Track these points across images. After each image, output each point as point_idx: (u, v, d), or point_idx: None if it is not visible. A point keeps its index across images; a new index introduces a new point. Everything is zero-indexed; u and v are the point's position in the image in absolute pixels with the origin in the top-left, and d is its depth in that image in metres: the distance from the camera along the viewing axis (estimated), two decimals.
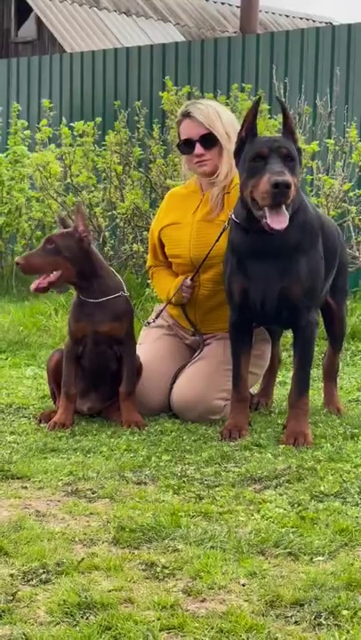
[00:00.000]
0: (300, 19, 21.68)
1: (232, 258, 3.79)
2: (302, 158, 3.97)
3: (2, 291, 8.33)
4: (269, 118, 7.39)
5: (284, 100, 7.17)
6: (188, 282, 4.11)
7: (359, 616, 2.07)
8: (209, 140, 4.04)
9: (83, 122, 8.14)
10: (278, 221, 3.46)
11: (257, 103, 3.72)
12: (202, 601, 2.18)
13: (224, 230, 3.97)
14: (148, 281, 6.59)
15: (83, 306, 3.95)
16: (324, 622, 2.06)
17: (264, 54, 9.02)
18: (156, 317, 4.35)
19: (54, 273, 3.85)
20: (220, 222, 4.05)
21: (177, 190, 4.42)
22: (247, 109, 3.67)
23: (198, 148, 4.06)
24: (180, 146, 4.15)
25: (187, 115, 4.09)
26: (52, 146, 8.11)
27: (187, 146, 4.10)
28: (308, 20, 21.70)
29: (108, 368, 4.01)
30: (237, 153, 3.67)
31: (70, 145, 7.86)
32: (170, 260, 4.26)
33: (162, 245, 4.27)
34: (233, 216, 3.78)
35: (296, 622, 2.07)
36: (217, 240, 4.01)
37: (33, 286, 3.88)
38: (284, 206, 3.46)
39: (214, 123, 4.03)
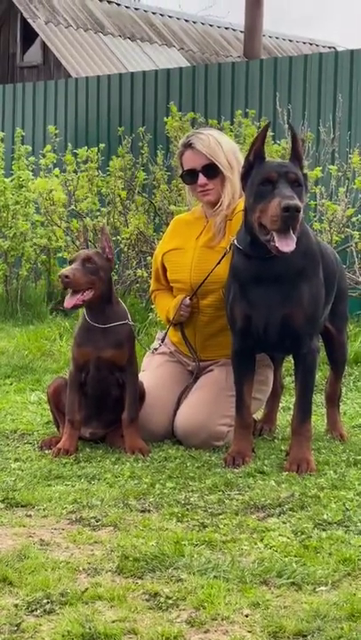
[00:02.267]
0: (304, 43, 21.81)
1: (234, 284, 3.81)
2: (307, 184, 4.00)
3: (7, 314, 8.35)
4: (273, 144, 7.44)
5: (286, 125, 7.23)
6: (188, 301, 4.14)
7: None
8: (212, 170, 4.08)
9: (87, 147, 8.20)
10: (287, 244, 3.48)
11: (266, 128, 3.76)
12: (205, 632, 2.19)
13: (224, 255, 4.00)
14: (152, 306, 6.63)
15: (88, 331, 3.97)
16: None
17: (267, 80, 9.08)
18: (160, 344, 4.37)
19: (87, 292, 3.88)
20: (221, 249, 4.08)
21: (182, 216, 4.47)
22: (254, 134, 3.71)
23: (201, 179, 4.10)
24: (184, 176, 4.19)
25: (188, 145, 4.14)
26: (56, 171, 8.17)
27: (190, 176, 4.14)
28: (311, 44, 21.83)
29: (111, 394, 4.03)
30: (244, 177, 3.70)
31: (74, 171, 7.92)
32: (171, 284, 4.29)
33: (164, 270, 4.31)
34: (235, 242, 3.81)
35: None
36: (217, 264, 4.04)
37: (69, 304, 3.88)
38: (292, 230, 3.49)
39: (216, 152, 4.07)
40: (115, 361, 3.96)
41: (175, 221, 4.44)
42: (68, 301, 3.88)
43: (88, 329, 3.98)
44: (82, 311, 4.08)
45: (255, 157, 3.65)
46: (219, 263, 4.04)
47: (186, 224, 4.33)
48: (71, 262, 3.92)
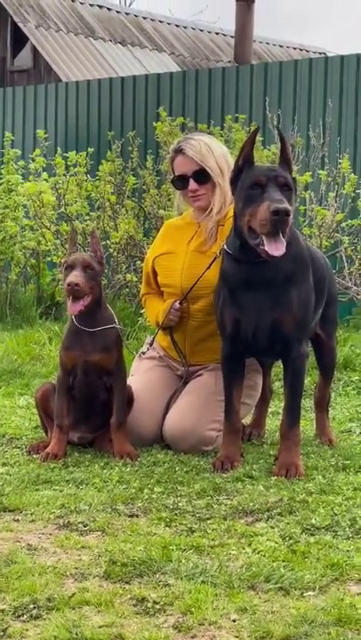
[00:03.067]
0: (294, 49, 21.86)
1: (224, 289, 3.81)
2: (297, 188, 4.00)
3: None
4: (263, 149, 7.45)
5: (276, 130, 7.25)
6: (177, 305, 4.13)
7: None
8: (202, 176, 4.09)
9: (77, 151, 8.21)
10: (276, 248, 3.48)
11: (255, 132, 3.77)
12: (192, 637, 2.18)
13: (214, 260, 4.00)
14: (142, 310, 6.62)
15: (76, 334, 3.97)
16: None
17: (258, 85, 9.11)
18: (149, 348, 4.37)
19: (87, 297, 3.89)
20: (212, 254, 4.07)
21: (174, 221, 4.47)
22: (243, 139, 3.72)
23: (192, 184, 4.11)
24: (175, 182, 4.20)
25: (179, 151, 4.14)
26: (45, 174, 8.16)
27: (181, 181, 4.15)
28: (301, 50, 21.88)
29: (98, 398, 4.03)
30: (233, 181, 3.70)
31: (64, 175, 7.91)
32: (162, 288, 4.29)
33: (155, 274, 4.31)
34: (225, 247, 3.81)
35: None
36: (207, 268, 4.04)
37: (75, 310, 3.87)
38: (281, 234, 3.49)
39: (206, 158, 4.07)
40: (102, 365, 3.96)
41: (166, 226, 4.44)
42: (74, 307, 3.88)
43: (76, 332, 3.98)
44: (69, 315, 4.08)
45: (244, 162, 3.65)
46: (209, 268, 4.04)
47: (177, 229, 4.33)
48: (70, 267, 3.90)
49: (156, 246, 4.36)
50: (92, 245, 4.06)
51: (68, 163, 8.03)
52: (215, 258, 3.99)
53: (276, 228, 3.45)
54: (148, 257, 4.40)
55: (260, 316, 3.71)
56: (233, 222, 3.75)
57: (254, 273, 3.69)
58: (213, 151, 4.10)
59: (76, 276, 3.84)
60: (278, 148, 3.81)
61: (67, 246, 4.31)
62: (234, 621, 2.26)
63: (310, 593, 2.43)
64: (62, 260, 4.07)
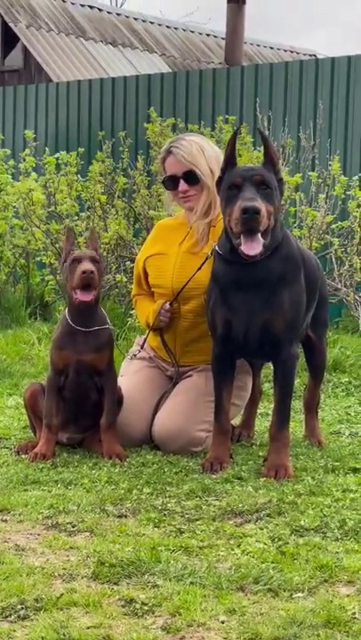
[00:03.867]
0: (285, 51, 21.88)
1: (215, 289, 3.80)
2: (284, 189, 3.99)
3: None
4: (253, 150, 7.45)
5: (267, 132, 7.25)
6: (168, 306, 4.12)
7: None
8: (192, 177, 4.08)
9: (68, 151, 8.19)
10: (252, 247, 3.49)
11: (235, 134, 3.78)
12: (181, 638, 2.17)
13: (206, 261, 3.99)
14: (132, 311, 6.61)
15: (70, 334, 3.96)
16: None
17: (248, 86, 9.11)
18: (140, 350, 4.35)
19: (94, 291, 3.91)
20: (203, 255, 4.07)
21: (165, 222, 4.47)
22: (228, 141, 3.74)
23: (182, 185, 4.10)
24: (165, 182, 4.19)
25: (170, 152, 4.13)
26: (34, 175, 8.14)
27: (171, 182, 4.15)
28: (292, 52, 21.89)
29: (89, 399, 4.02)
30: (218, 183, 3.71)
31: (54, 174, 7.89)
32: (152, 289, 4.27)
33: (146, 275, 4.29)
34: (217, 247, 3.80)
35: None
36: (198, 269, 4.03)
37: (88, 297, 3.88)
38: (259, 234, 3.49)
39: (197, 159, 4.07)
40: (95, 365, 3.95)
41: (158, 226, 4.43)
42: (86, 296, 3.88)
43: (70, 332, 3.96)
44: (62, 314, 4.07)
45: (226, 164, 3.67)
46: (200, 268, 4.03)
47: (169, 229, 4.32)
48: (77, 260, 3.90)
49: (148, 247, 4.35)
50: (91, 244, 4.06)
51: (59, 162, 8.01)
52: (207, 258, 3.99)
53: (246, 227, 3.46)
54: (139, 257, 4.39)
55: (251, 317, 3.70)
56: (223, 223, 3.75)
57: (245, 274, 3.68)
58: (205, 152, 4.09)
59: (89, 265, 3.85)
60: (263, 149, 3.81)
61: (62, 245, 4.30)
62: (223, 623, 2.25)
63: (299, 594, 2.42)
64: (63, 257, 4.05)
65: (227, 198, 3.59)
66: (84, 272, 3.84)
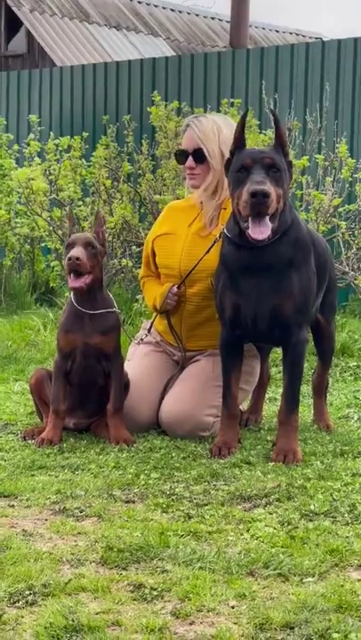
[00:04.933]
0: (290, 34, 21.76)
1: (224, 273, 3.77)
2: (293, 172, 3.95)
3: None
4: (259, 133, 7.39)
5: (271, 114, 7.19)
6: (175, 289, 4.09)
7: (350, 639, 2.04)
8: (200, 156, 4.05)
9: (72, 136, 8.15)
10: (260, 232, 3.46)
11: (244, 116, 3.73)
12: (190, 624, 2.15)
13: (214, 243, 3.96)
14: (138, 296, 6.58)
15: (76, 317, 3.93)
16: None
17: (254, 69, 9.04)
18: (147, 334, 4.33)
19: (88, 276, 3.86)
20: (212, 238, 4.03)
21: (176, 203, 4.46)
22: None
23: (190, 161, 4.08)
24: (176, 154, 4.19)
25: (188, 125, 4.12)
26: (37, 160, 8.10)
27: (182, 156, 4.14)
28: (298, 35, 21.78)
29: (96, 383, 3.99)
30: (227, 165, 3.67)
31: (56, 160, 7.85)
32: (160, 269, 4.23)
33: (154, 255, 4.26)
34: (225, 230, 3.76)
35: None
36: (207, 252, 4.00)
37: (76, 284, 3.84)
38: (267, 217, 3.45)
39: (209, 139, 4.03)
40: (102, 348, 3.92)
41: (168, 207, 4.40)
42: (75, 282, 3.84)
43: (76, 315, 3.94)
44: (68, 298, 4.05)
45: (235, 146, 3.62)
46: (208, 251, 4.00)
47: (179, 210, 4.29)
48: (71, 245, 3.87)
49: (157, 227, 4.32)
50: (95, 226, 4.02)
51: (60, 148, 7.97)
52: (215, 241, 3.95)
53: (255, 211, 3.42)
54: (148, 238, 4.36)
55: (261, 302, 3.67)
56: (232, 207, 3.71)
57: (254, 258, 3.65)
58: (221, 134, 4.04)
59: (76, 251, 3.81)
60: (271, 134, 3.77)
61: (64, 230, 4.27)
62: (233, 608, 2.23)
63: (310, 579, 2.40)
64: (65, 241, 4.03)
65: (235, 180, 3.56)
66: (69, 258, 3.80)
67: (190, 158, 4.08)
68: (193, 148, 4.07)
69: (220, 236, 3.87)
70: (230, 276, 3.72)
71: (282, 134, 3.66)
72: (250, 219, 3.47)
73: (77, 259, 3.79)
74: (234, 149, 3.64)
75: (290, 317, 3.68)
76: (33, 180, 7.78)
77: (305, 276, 3.72)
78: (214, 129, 4.05)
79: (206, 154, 4.04)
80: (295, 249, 3.68)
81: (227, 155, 3.89)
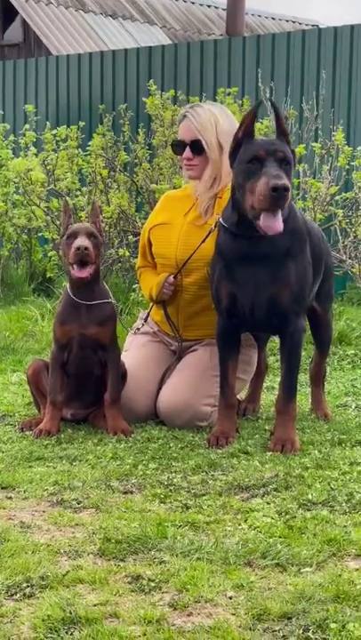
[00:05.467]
0: (287, 21, 21.68)
1: (220, 263, 3.75)
2: (295, 162, 3.94)
3: None
4: (256, 122, 7.36)
5: (269, 103, 7.17)
6: (171, 279, 4.08)
7: (348, 629, 2.04)
8: (198, 147, 4.03)
9: (68, 125, 8.12)
10: (274, 227, 3.43)
11: (257, 106, 3.71)
12: (188, 615, 2.15)
13: (210, 233, 3.94)
14: (135, 286, 6.57)
15: (72, 308, 3.92)
16: (312, 636, 2.02)
17: (250, 57, 9.01)
18: (143, 323, 4.32)
19: (91, 266, 3.87)
20: (208, 227, 4.02)
21: (173, 193, 4.45)
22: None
23: (187, 152, 4.06)
24: (173, 145, 4.17)
25: (185, 115, 4.09)
26: (34, 149, 8.07)
27: (179, 147, 4.11)
28: (294, 22, 21.70)
29: (93, 374, 3.99)
30: (232, 154, 3.63)
31: (53, 150, 7.83)
32: (156, 259, 4.23)
33: (151, 245, 4.25)
34: (221, 220, 3.75)
35: (284, 636, 2.04)
36: (202, 241, 3.99)
37: (83, 274, 3.84)
38: (280, 211, 3.43)
39: (207, 130, 4.01)
40: (99, 338, 3.92)
41: (165, 197, 4.39)
42: (82, 272, 3.84)
43: (72, 306, 3.93)
44: (65, 288, 4.04)
45: (244, 135, 3.58)
46: (204, 240, 3.98)
47: (175, 200, 4.28)
48: (73, 235, 3.86)
49: (153, 217, 4.31)
50: (91, 216, 4.01)
51: (57, 138, 7.94)
52: (211, 231, 3.94)
53: (274, 205, 3.39)
54: (144, 228, 4.35)
55: (258, 291, 3.66)
56: (231, 196, 3.69)
57: (251, 247, 3.63)
58: (219, 125, 4.02)
59: (83, 241, 3.81)
60: (273, 121, 3.73)
61: (61, 220, 4.26)
62: (230, 598, 2.23)
63: (307, 569, 2.40)
64: (62, 231, 4.01)
65: (246, 172, 3.49)
66: (78, 248, 3.80)
67: (188, 149, 4.06)
68: (190, 139, 4.04)
69: (215, 226, 3.86)
70: (226, 265, 3.71)
71: (283, 124, 3.64)
72: (263, 212, 3.44)
73: (86, 248, 3.79)
74: (242, 138, 3.57)
75: (287, 306, 3.68)
76: (31, 170, 7.76)
77: (301, 265, 3.71)
78: (211, 120, 4.03)
79: (205, 145, 4.01)
80: (292, 238, 3.67)
81: (225, 146, 3.87)
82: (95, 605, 2.18)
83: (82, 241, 3.81)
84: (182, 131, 4.11)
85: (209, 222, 4.02)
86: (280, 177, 3.38)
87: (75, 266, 3.84)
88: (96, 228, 3.94)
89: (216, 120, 4.04)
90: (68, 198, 7.57)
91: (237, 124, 4.11)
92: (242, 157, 3.54)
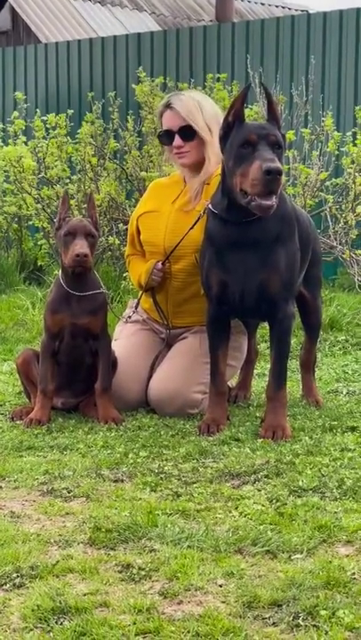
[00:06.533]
0: (276, 7, 21.57)
1: (209, 249, 3.74)
2: (286, 146, 3.91)
3: None
4: (245, 107, 7.33)
5: (258, 89, 7.14)
6: (160, 265, 4.07)
7: (338, 616, 2.04)
8: (188, 133, 4.01)
9: (57, 113, 8.08)
10: (267, 204, 3.40)
11: (246, 89, 3.68)
12: (178, 603, 2.14)
13: (199, 219, 3.93)
14: (125, 274, 6.55)
15: (64, 298, 3.91)
16: (302, 623, 2.02)
17: (240, 43, 8.98)
18: (134, 312, 4.31)
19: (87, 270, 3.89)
20: (196, 213, 4.00)
21: (160, 180, 4.43)
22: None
23: (177, 140, 4.03)
24: (161, 136, 4.13)
25: (168, 106, 4.06)
26: (23, 137, 8.03)
27: (167, 136, 4.08)
28: (284, 7, 21.60)
29: (84, 363, 3.98)
30: (223, 138, 3.60)
31: (43, 138, 7.79)
32: (145, 247, 4.21)
33: (139, 233, 4.23)
34: (210, 206, 3.73)
35: (274, 624, 2.03)
36: (190, 228, 3.97)
37: (79, 271, 3.86)
38: (274, 196, 3.42)
39: (194, 115, 3.99)
40: (90, 328, 3.91)
41: (153, 185, 4.38)
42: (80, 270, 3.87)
43: (64, 296, 3.91)
44: (56, 278, 4.02)
45: (235, 119, 3.55)
46: (193, 227, 3.97)
47: (163, 187, 4.27)
48: (71, 234, 3.83)
49: (141, 205, 4.30)
50: (88, 210, 3.98)
51: (48, 125, 7.90)
52: (199, 217, 3.92)
53: (268, 188, 3.38)
54: (132, 216, 4.34)
55: (248, 277, 3.65)
56: (221, 181, 3.67)
57: (241, 233, 3.62)
58: (203, 109, 4.01)
59: (82, 246, 3.79)
60: (265, 105, 3.71)
61: (57, 209, 4.23)
62: (221, 586, 2.22)
63: (298, 556, 2.40)
64: (56, 223, 3.97)
65: (238, 156, 3.47)
66: (77, 255, 3.78)
67: (177, 137, 4.03)
68: (179, 126, 4.02)
69: (204, 212, 3.84)
70: (216, 251, 3.70)
71: (275, 109, 3.62)
72: (256, 197, 3.42)
73: (85, 255, 3.78)
74: (232, 122, 3.54)
75: (277, 292, 3.67)
76: (23, 157, 7.71)
77: (290, 251, 3.70)
78: (196, 105, 4.02)
79: (196, 128, 3.99)
80: (282, 224, 3.66)
81: (214, 130, 3.85)
82: (85, 595, 2.17)
83: (81, 246, 3.79)
84: (167, 120, 4.07)
85: (197, 209, 4.01)
86: (273, 160, 3.37)
87: (75, 269, 3.84)
88: (92, 223, 3.91)
89: (200, 104, 4.03)
90: (60, 187, 7.54)
91: (218, 109, 4.10)
92: (233, 141, 3.52)
